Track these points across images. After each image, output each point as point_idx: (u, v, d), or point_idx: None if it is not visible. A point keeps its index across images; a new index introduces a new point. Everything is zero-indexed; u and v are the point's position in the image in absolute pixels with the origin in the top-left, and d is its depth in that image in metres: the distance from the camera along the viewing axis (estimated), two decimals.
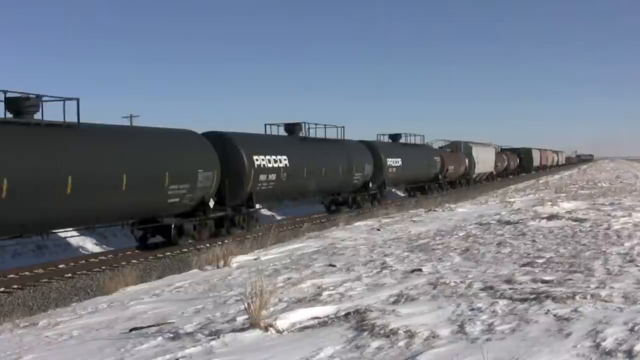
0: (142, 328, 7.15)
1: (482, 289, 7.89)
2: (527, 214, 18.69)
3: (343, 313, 6.99)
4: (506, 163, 65.90)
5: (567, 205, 21.33)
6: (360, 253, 12.44)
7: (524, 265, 9.77)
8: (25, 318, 9.10)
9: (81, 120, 15.77)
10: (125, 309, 8.67)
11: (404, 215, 21.94)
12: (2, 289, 13.66)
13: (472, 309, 6.81)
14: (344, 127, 29.95)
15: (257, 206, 22.56)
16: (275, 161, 22.92)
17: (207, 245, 17.43)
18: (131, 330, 7.12)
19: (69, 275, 15.35)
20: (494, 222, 17.14)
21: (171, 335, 6.70)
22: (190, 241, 19.27)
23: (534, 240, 12.69)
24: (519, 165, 73.49)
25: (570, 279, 8.28)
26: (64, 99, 15.58)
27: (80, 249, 19.59)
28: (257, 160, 21.73)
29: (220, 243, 17.11)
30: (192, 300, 8.79)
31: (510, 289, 7.79)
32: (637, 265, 9.20)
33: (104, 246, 20.13)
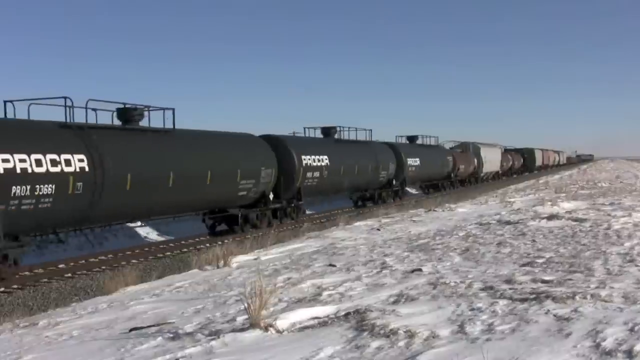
0: (142, 328, 7.15)
1: (482, 289, 7.89)
2: (527, 214, 18.70)
3: (343, 313, 7.00)
4: (511, 163, 68.93)
5: (567, 205, 21.34)
6: (360, 253, 12.44)
7: (524, 265, 9.78)
8: (25, 318, 9.10)
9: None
10: (125, 309, 8.68)
11: (404, 215, 21.94)
12: (2, 289, 13.65)
13: (472, 309, 6.82)
14: (371, 130, 33.65)
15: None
16: (319, 160, 26.16)
17: (207, 245, 17.58)
18: (131, 330, 7.12)
19: (69, 275, 15.34)
20: (494, 222, 17.15)
21: (171, 335, 6.70)
22: (251, 229, 21.75)
23: (534, 240, 12.69)
24: (522, 164, 76.51)
25: (570, 279, 8.28)
26: (164, 109, 18.82)
27: (80, 249, 19.58)
28: (304, 159, 25.03)
29: (220, 243, 17.15)
30: (192, 300, 8.80)
31: (510, 289, 7.80)
32: (637, 265, 9.21)
33: (104, 246, 20.13)
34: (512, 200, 26.94)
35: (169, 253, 18.18)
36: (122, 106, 17.60)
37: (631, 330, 5.66)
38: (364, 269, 10.26)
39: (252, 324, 6.60)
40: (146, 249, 19.17)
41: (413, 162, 37.40)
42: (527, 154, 79.45)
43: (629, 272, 8.65)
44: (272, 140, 24.01)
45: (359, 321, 6.55)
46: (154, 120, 18.64)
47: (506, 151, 69.55)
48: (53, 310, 10.24)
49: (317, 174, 25.85)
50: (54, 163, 14.20)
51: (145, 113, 18.30)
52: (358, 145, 31.51)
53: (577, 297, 7.02)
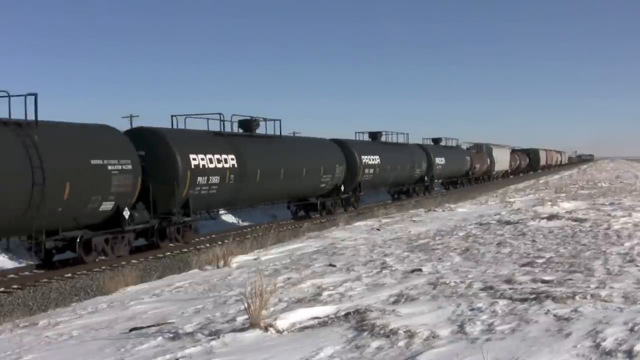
0: (142, 328, 7.15)
1: (482, 289, 7.89)
2: (527, 214, 18.70)
3: (343, 313, 7.00)
4: (518, 162, 74.60)
5: (567, 205, 21.34)
6: (360, 253, 12.44)
7: (524, 265, 9.78)
8: (25, 318, 9.10)
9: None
10: (125, 309, 8.67)
11: (404, 215, 21.94)
12: (2, 289, 13.66)
13: (472, 309, 6.82)
14: (408, 133, 40.87)
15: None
16: (373, 160, 32.42)
17: (207, 245, 17.59)
18: (131, 330, 7.12)
19: (69, 275, 15.34)
20: (494, 222, 17.15)
21: (171, 335, 6.70)
22: (326, 214, 27.71)
23: (534, 240, 12.69)
24: (528, 164, 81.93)
25: (570, 279, 8.28)
26: (273, 120, 25.42)
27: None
28: (364, 159, 31.35)
29: (220, 243, 17.16)
30: (192, 300, 8.79)
31: (510, 289, 7.80)
32: (637, 265, 9.21)
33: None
34: (512, 200, 26.94)
35: (169, 253, 18.18)
36: (243, 118, 23.79)
37: (631, 330, 5.66)
38: (364, 269, 10.26)
39: (252, 324, 6.60)
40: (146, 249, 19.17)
41: (439, 161, 43.42)
42: (532, 154, 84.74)
43: (629, 272, 8.65)
44: (340, 143, 30.29)
45: (359, 321, 6.55)
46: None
47: (514, 151, 74.48)
48: (53, 310, 10.24)
49: (371, 170, 32.17)
50: (219, 161, 20.17)
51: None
52: (399, 147, 38.09)
53: (577, 297, 7.02)
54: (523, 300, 7.06)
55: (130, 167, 16.72)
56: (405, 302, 7.45)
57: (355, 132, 36.20)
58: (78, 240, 15.67)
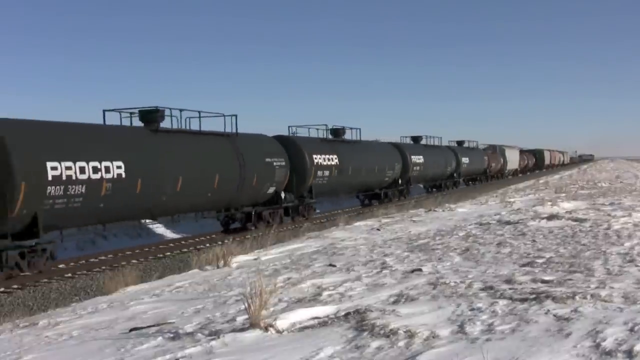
0: (142, 328, 7.15)
1: (482, 289, 7.90)
2: (527, 214, 18.69)
3: (343, 313, 7.00)
4: (526, 162, 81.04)
5: (567, 205, 21.33)
6: (360, 253, 12.44)
7: (524, 265, 9.78)
8: (25, 318, 9.10)
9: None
10: (125, 309, 8.67)
11: (404, 215, 21.94)
12: (2, 289, 13.66)
13: (472, 309, 6.82)
14: (441, 137, 47.89)
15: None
16: (419, 159, 39.12)
17: (207, 245, 17.58)
18: (131, 330, 7.12)
19: (69, 275, 15.34)
20: (494, 222, 17.15)
21: (171, 335, 6.70)
22: (388, 202, 33.59)
23: (534, 240, 12.69)
24: (534, 163, 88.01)
25: (570, 279, 8.28)
26: (352, 128, 31.54)
27: (80, 249, 19.59)
28: (412, 159, 37.79)
29: (220, 243, 17.15)
30: (192, 300, 8.80)
31: (510, 289, 7.80)
32: (637, 265, 9.21)
33: (104, 246, 20.14)
34: (512, 200, 26.93)
35: (169, 253, 18.19)
36: (328, 125, 30.07)
37: (631, 330, 5.66)
38: (364, 269, 10.26)
39: (252, 324, 6.60)
40: (146, 249, 19.18)
41: (465, 161, 50.53)
42: (537, 154, 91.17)
43: (629, 272, 8.65)
44: (397, 146, 37.36)
45: (359, 321, 6.55)
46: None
47: (522, 152, 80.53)
48: (53, 310, 10.24)
49: (417, 168, 38.69)
50: (328, 160, 27.12)
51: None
52: (435, 149, 45.00)
53: (577, 297, 7.02)
54: (523, 300, 7.06)
55: (284, 163, 23.98)
56: (405, 302, 7.45)
57: (401, 137, 42.88)
58: (253, 212, 22.93)
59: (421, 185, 44.48)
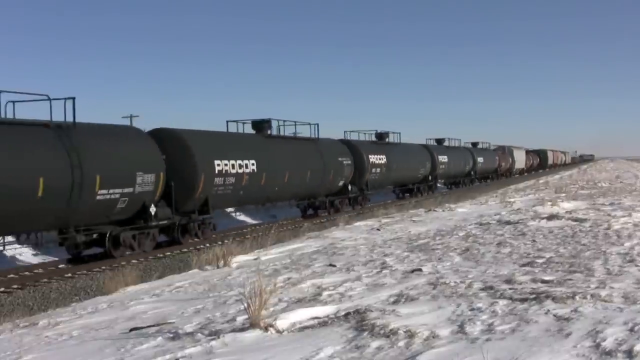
0: (142, 328, 7.15)
1: (482, 289, 7.89)
2: (527, 214, 18.69)
3: (343, 313, 7.00)
4: (531, 161, 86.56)
5: (567, 205, 21.33)
6: (360, 253, 12.44)
7: (524, 265, 9.78)
8: (25, 318, 9.10)
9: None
10: (125, 309, 8.67)
11: (404, 215, 21.94)
12: (2, 289, 13.66)
13: (472, 309, 6.82)
14: (460, 139, 54.54)
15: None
16: (444, 159, 45.48)
17: (207, 245, 17.59)
18: (131, 330, 7.12)
19: (69, 275, 15.35)
20: (494, 222, 17.15)
21: (171, 335, 6.70)
22: (419, 195, 40.15)
23: (534, 240, 12.69)
24: (539, 163, 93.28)
25: (570, 279, 8.28)
26: (394, 132, 37.70)
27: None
28: (439, 158, 44.13)
29: (220, 243, 17.16)
30: (192, 300, 8.79)
31: (510, 289, 7.80)
32: (637, 265, 9.20)
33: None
34: (512, 200, 26.93)
35: (169, 253, 18.19)
36: (380, 132, 37.48)
37: (631, 330, 5.66)
38: (364, 269, 10.26)
39: (252, 324, 6.60)
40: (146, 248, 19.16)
41: (480, 160, 56.76)
42: (541, 155, 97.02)
43: (629, 272, 8.65)
44: (426, 147, 43.57)
45: (359, 321, 6.55)
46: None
47: (527, 152, 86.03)
48: (53, 310, 10.24)
49: (443, 166, 45.08)
50: (379, 159, 33.68)
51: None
52: (455, 150, 51.02)
53: (577, 297, 7.02)
54: (523, 300, 7.06)
55: (350, 162, 29.97)
56: (405, 302, 7.45)
57: (426, 139, 50.25)
58: (327, 201, 28.84)
59: (440, 184, 49.49)
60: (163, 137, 19.00)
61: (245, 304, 6.81)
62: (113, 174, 16.24)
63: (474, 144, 61.40)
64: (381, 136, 40.32)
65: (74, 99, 15.70)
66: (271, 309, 7.25)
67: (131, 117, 44.84)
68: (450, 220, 18.86)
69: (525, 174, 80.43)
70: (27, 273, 15.40)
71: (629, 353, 5.06)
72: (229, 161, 20.78)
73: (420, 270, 9.72)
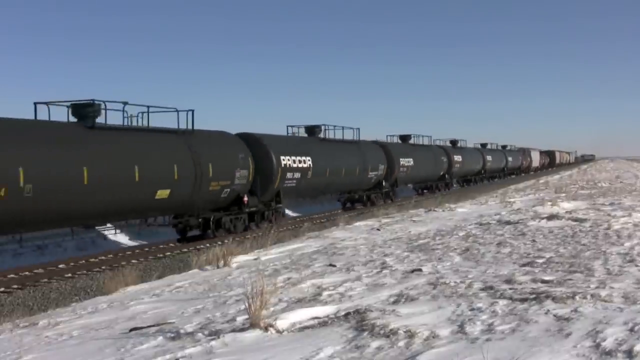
0: (142, 328, 7.15)
1: (482, 289, 7.90)
2: (527, 214, 18.69)
3: (343, 313, 7.00)
4: (543, 161, 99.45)
5: (567, 205, 21.33)
6: (360, 253, 12.44)
7: (524, 265, 9.78)
8: (25, 318, 9.09)
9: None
10: (125, 309, 8.67)
11: (404, 215, 21.93)
12: (2, 289, 13.66)
13: (472, 309, 6.82)
14: (466, 140, 58.63)
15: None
16: (458, 159, 50.17)
17: (207, 245, 17.60)
18: (131, 330, 7.11)
19: (69, 275, 15.35)
20: (494, 222, 17.15)
21: (171, 335, 6.70)
22: (436, 191, 43.93)
23: (534, 240, 12.69)
24: (548, 162, 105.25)
25: (570, 279, 8.28)
26: (423, 135, 42.54)
27: (80, 249, 19.59)
28: (455, 158, 49.16)
29: (220, 243, 17.15)
30: (192, 300, 8.79)
31: (510, 289, 7.80)
32: (637, 265, 9.21)
33: (104, 246, 20.14)
34: (512, 200, 26.93)
35: (169, 253, 18.19)
36: (403, 134, 43.18)
37: (631, 330, 5.66)
38: (364, 269, 10.26)
39: (252, 324, 6.60)
40: (146, 249, 19.18)
41: (510, 159, 70.36)
42: (550, 155, 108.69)
43: (629, 272, 8.65)
44: (443, 147, 48.80)
45: (359, 321, 6.55)
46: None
47: (540, 153, 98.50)
48: (53, 310, 10.23)
49: (457, 165, 49.88)
50: (408, 162, 38.20)
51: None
52: (470, 150, 56.25)
53: (577, 297, 7.02)
54: (523, 300, 7.06)
55: (384, 161, 34.36)
56: (405, 302, 7.45)
57: (434, 139, 54.59)
58: (365, 195, 33.37)
59: (459, 182, 54.58)
60: (248, 140, 23.48)
61: (246, 304, 6.81)
62: (220, 170, 20.72)
63: (504, 146, 74.19)
64: (405, 138, 43.66)
65: (193, 111, 20.34)
66: (271, 309, 7.25)
67: (131, 117, 44.67)
68: (450, 220, 18.86)
69: (539, 171, 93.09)
70: (27, 273, 15.40)
71: (629, 353, 5.06)
72: (294, 160, 25.23)
73: (420, 270, 9.72)
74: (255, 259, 12.71)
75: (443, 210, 23.07)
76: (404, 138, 43.71)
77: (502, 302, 7.04)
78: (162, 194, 18.21)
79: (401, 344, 5.72)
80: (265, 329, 6.49)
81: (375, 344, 5.76)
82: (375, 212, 25.37)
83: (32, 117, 16.69)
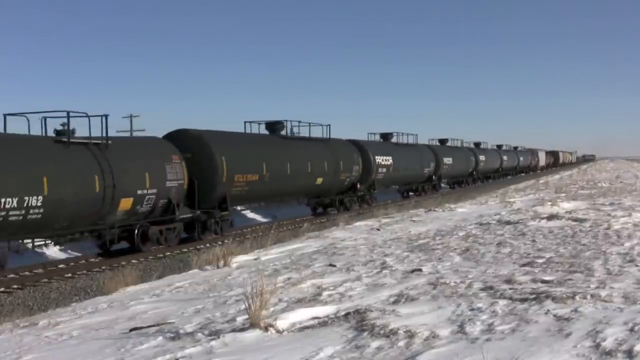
0: (142, 328, 7.15)
1: (482, 289, 7.90)
2: (527, 214, 18.69)
3: (343, 313, 7.00)
4: (549, 160, 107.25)
5: (567, 205, 21.33)
6: (360, 253, 12.44)
7: (524, 265, 9.78)
8: (25, 318, 9.10)
9: None
10: (125, 309, 8.67)
11: (404, 215, 21.93)
12: (2, 289, 13.66)
13: (472, 309, 6.82)
14: (487, 142, 65.58)
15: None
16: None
17: (207, 245, 17.62)
18: (131, 330, 7.12)
19: (69, 275, 15.35)
20: (494, 222, 17.15)
21: (171, 335, 6.70)
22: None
23: (534, 240, 12.70)
24: (553, 161, 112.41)
25: (570, 279, 8.29)
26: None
27: (80, 249, 19.57)
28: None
29: (220, 243, 17.16)
30: (192, 300, 8.80)
31: (510, 289, 7.80)
32: (637, 265, 9.21)
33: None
34: (512, 200, 26.93)
35: (169, 253, 18.19)
36: (442, 138, 52.49)
37: (631, 330, 5.66)
38: (364, 269, 10.26)
39: (252, 324, 6.60)
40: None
41: (521, 159, 78.71)
42: (555, 155, 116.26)
43: (629, 272, 8.65)
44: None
45: (359, 321, 6.55)
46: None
47: (546, 153, 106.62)
48: (53, 310, 10.24)
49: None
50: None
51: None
52: (483, 150, 61.42)
53: (577, 297, 7.02)
54: (523, 300, 7.06)
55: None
56: (405, 302, 7.45)
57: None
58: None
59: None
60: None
61: (246, 304, 6.81)
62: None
63: (515, 148, 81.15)
64: (386, 136, 41.34)
65: (329, 125, 29.21)
66: (271, 309, 7.25)
67: (131, 117, 44.77)
68: (450, 220, 18.87)
69: (544, 170, 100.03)
70: (27, 273, 15.40)
71: (629, 353, 5.06)
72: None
73: (420, 270, 9.72)
74: (255, 259, 12.72)
75: (443, 210, 23.07)
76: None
77: (502, 302, 7.04)
78: (319, 181, 27.83)
79: (401, 344, 5.72)
80: (265, 329, 6.49)
81: (375, 344, 5.76)
82: (375, 212, 25.38)
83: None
